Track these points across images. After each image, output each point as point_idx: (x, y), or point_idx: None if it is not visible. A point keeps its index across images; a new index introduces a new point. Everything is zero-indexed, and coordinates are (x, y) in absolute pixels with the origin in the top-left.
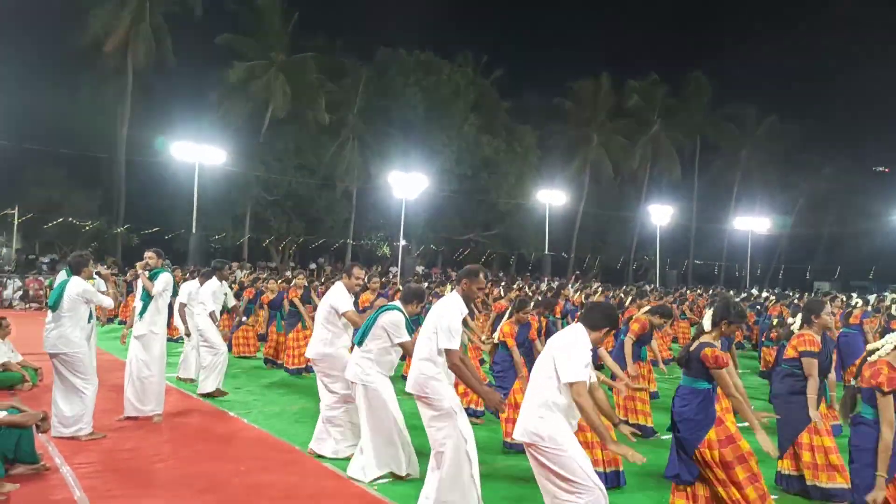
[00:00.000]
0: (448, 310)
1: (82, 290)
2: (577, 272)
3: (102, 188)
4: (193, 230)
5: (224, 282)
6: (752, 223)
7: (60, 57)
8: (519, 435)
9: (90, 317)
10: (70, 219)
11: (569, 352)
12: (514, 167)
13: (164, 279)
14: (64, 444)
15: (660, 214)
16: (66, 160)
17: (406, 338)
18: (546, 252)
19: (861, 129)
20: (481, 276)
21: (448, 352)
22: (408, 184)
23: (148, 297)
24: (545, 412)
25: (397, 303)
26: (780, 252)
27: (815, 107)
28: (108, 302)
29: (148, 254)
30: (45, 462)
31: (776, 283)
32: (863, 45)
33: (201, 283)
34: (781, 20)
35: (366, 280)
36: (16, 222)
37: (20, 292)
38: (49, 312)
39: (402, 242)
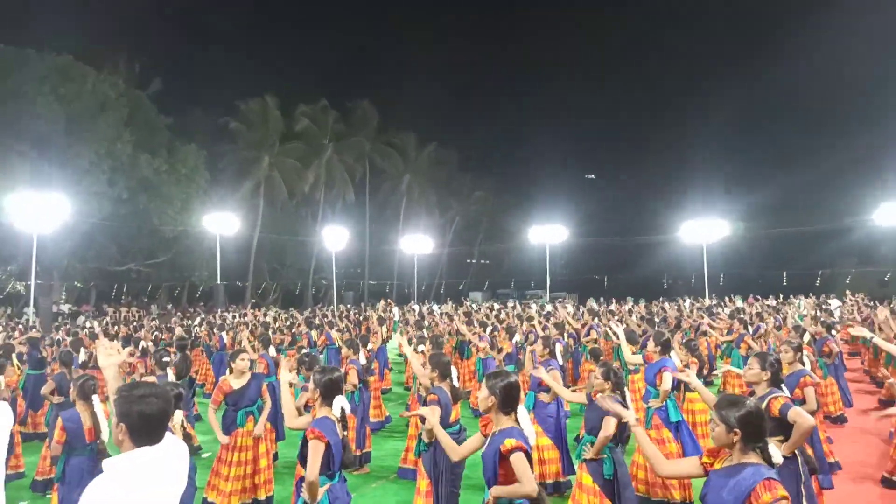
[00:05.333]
0: None
1: None
2: (254, 300)
3: None
4: None
5: None
6: (418, 244)
7: None
8: None
9: None
10: None
11: None
12: (178, 189)
13: None
14: None
15: (335, 237)
16: None
17: None
18: (219, 280)
19: (506, 155)
20: None
21: None
22: (43, 209)
23: None
24: None
25: None
26: (440, 269)
27: (469, 135)
28: None
29: None
30: None
31: (439, 297)
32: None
33: None
34: (443, 55)
35: None
36: None
37: None
38: None
39: (35, 279)
